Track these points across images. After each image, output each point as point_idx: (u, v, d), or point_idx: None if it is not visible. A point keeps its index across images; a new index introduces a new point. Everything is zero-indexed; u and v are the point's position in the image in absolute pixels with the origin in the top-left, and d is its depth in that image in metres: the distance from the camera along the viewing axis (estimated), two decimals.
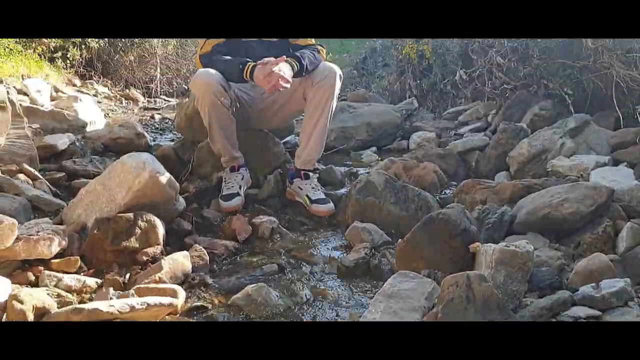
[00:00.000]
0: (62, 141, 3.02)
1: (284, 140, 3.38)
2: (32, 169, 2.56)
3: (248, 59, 2.41)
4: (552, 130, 2.77)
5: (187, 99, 3.63)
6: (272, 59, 2.36)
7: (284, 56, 2.37)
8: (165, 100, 8.17)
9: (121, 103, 7.16)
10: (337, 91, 2.54)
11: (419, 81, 5.67)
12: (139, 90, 8.80)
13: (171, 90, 9.53)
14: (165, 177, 2.10)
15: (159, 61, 9.45)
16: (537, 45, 3.21)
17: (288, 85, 2.35)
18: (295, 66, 2.41)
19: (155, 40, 9.16)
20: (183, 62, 10.44)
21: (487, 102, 4.16)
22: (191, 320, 1.63)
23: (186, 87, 10.18)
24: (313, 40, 2.72)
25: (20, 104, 3.55)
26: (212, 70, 2.41)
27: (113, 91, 8.11)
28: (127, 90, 8.30)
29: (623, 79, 2.69)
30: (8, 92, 2.71)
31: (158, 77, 9.27)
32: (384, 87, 6.53)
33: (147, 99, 8.18)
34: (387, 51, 7.31)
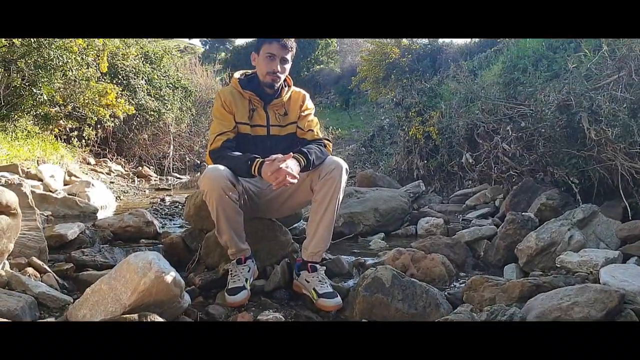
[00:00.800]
0: (72, 231, 3.05)
1: (292, 227, 3.40)
2: (40, 262, 2.57)
3: (256, 156, 2.46)
4: (560, 222, 2.76)
5: (197, 190, 3.70)
6: (279, 155, 2.41)
7: (291, 153, 2.43)
8: (177, 177, 8.34)
9: (133, 182, 7.29)
10: (343, 185, 2.57)
11: (425, 161, 5.74)
12: (151, 167, 9.00)
13: (183, 167, 9.74)
14: (170, 276, 2.09)
15: (172, 138, 9.73)
16: (542, 135, 3.26)
17: (295, 181, 2.38)
18: (303, 161, 2.46)
19: (170, 118, 9.46)
20: (196, 139, 10.73)
21: (495, 187, 4.19)
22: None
23: (198, 162, 10.40)
24: (320, 135, 2.80)
25: (34, 191, 3.64)
26: (221, 167, 2.46)
27: (126, 168, 8.29)
28: (140, 168, 8.49)
29: (628, 171, 2.70)
30: (21, 185, 2.78)
31: (171, 154, 9.51)
32: (391, 166, 6.60)
33: (159, 176, 8.34)
34: (395, 129, 7.46)
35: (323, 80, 21.37)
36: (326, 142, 2.75)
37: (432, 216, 3.81)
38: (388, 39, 11.36)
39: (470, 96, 4.84)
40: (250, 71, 2.85)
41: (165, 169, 8.94)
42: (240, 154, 2.55)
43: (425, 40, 11.29)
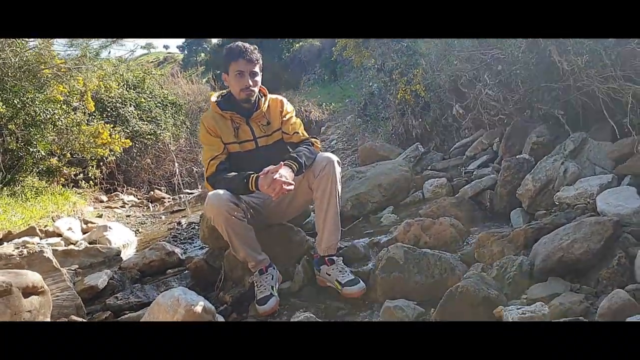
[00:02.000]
0: (101, 280, 3.20)
1: (305, 221, 3.52)
2: (80, 318, 2.72)
3: (250, 172, 2.57)
4: (553, 157, 2.84)
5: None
6: (271, 167, 2.51)
7: (281, 162, 2.53)
8: (189, 193, 8.49)
9: (149, 209, 7.45)
10: (338, 177, 2.67)
11: (420, 120, 5.80)
12: (163, 188, 9.16)
13: (193, 180, 9.88)
14: (200, 306, 2.22)
15: (174, 156, 9.86)
16: (518, 75, 3.31)
17: (292, 188, 2.48)
18: (295, 166, 2.57)
19: (167, 137, 9.59)
20: (198, 150, 10.85)
21: (490, 131, 4.26)
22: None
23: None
24: (306, 134, 2.89)
25: (56, 249, 3.80)
26: (221, 191, 2.58)
27: (138, 196, 8.46)
28: (152, 192, 8.65)
29: (605, 93, 2.76)
30: (43, 251, 2.93)
31: (177, 170, 9.65)
32: (389, 131, 6.66)
33: (171, 196, 8.50)
34: (384, 94, 7.49)
35: (306, 58, 21.28)
36: (313, 140, 2.85)
37: (434, 177, 3.90)
38: None
39: (446, 47, 4.86)
40: (225, 91, 2.94)
41: (176, 187, 9.09)
42: (236, 173, 2.66)
43: None
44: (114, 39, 6.96)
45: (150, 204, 7.80)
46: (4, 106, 5.53)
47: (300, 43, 22.47)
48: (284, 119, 2.88)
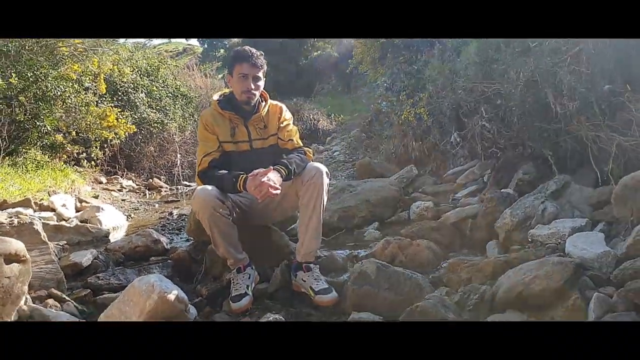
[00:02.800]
0: (86, 258, 3.29)
1: (291, 227, 3.61)
2: (59, 293, 2.81)
3: (240, 173, 2.66)
4: (534, 196, 2.93)
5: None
6: (261, 170, 2.60)
7: (271, 167, 2.63)
8: (186, 185, 8.57)
9: (145, 196, 7.55)
10: (325, 187, 2.76)
11: (420, 142, 5.90)
12: (162, 178, 9.25)
13: (193, 173, 9.96)
14: (173, 294, 2.31)
15: (177, 147, 9.96)
16: (513, 113, 3.41)
17: (278, 192, 2.57)
18: (284, 172, 2.66)
19: (173, 128, 9.70)
20: None
21: (483, 162, 4.35)
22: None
23: None
24: (300, 143, 2.99)
25: (48, 223, 3.90)
26: (209, 187, 2.67)
27: (137, 182, 8.55)
28: (151, 180, 8.74)
29: (593, 140, 2.85)
30: (33, 223, 3.02)
31: (179, 162, 9.75)
32: (390, 150, 6.76)
33: (169, 187, 8.59)
34: (390, 113, 7.59)
35: (322, 67, 21.42)
36: (306, 149, 2.95)
37: (422, 200, 3.99)
38: None
39: (452, 76, 4.98)
40: (227, 91, 3.04)
41: (175, 177, 9.18)
42: (227, 172, 2.75)
43: None
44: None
45: (147, 191, 7.90)
46: (16, 78, 5.64)
47: (319, 52, 22.64)
48: (281, 125, 2.98)
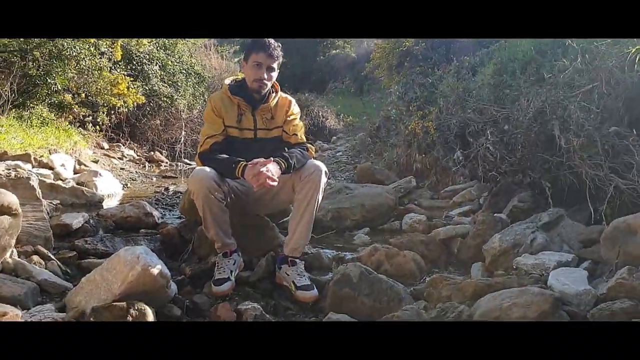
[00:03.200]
0: (76, 221, 3.31)
1: (283, 220, 3.63)
2: (46, 251, 2.83)
3: (241, 159, 2.68)
4: (526, 224, 2.96)
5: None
6: (261, 159, 2.63)
7: (271, 158, 2.65)
8: (187, 163, 8.60)
9: (144, 167, 7.57)
10: (322, 186, 2.78)
11: (423, 155, 5.91)
12: (164, 152, 9.28)
13: (194, 152, 9.99)
14: (157, 269, 2.33)
15: (184, 124, 9.98)
16: (518, 140, 3.42)
17: (274, 184, 2.60)
18: (283, 165, 2.68)
19: (182, 104, 9.72)
20: None
21: (482, 184, 4.37)
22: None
23: None
24: (304, 139, 3.01)
25: (44, 181, 3.92)
26: (207, 168, 2.69)
27: (139, 153, 8.57)
28: (152, 153, 8.77)
29: (592, 179, 2.87)
30: (29, 179, 3.04)
31: (183, 139, 9.77)
32: (393, 158, 6.78)
33: (169, 162, 8.62)
34: (399, 121, 7.60)
35: (338, 65, 21.41)
36: (309, 145, 2.97)
37: (416, 212, 4.01)
38: None
39: (465, 95, 4.99)
40: (240, 77, 3.06)
41: (177, 154, 9.21)
42: (227, 157, 2.77)
43: None
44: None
45: (147, 163, 7.92)
46: None
47: (337, 50, 22.64)
48: (288, 118, 3.00)
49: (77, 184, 4.42)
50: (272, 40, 2.86)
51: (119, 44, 7.23)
